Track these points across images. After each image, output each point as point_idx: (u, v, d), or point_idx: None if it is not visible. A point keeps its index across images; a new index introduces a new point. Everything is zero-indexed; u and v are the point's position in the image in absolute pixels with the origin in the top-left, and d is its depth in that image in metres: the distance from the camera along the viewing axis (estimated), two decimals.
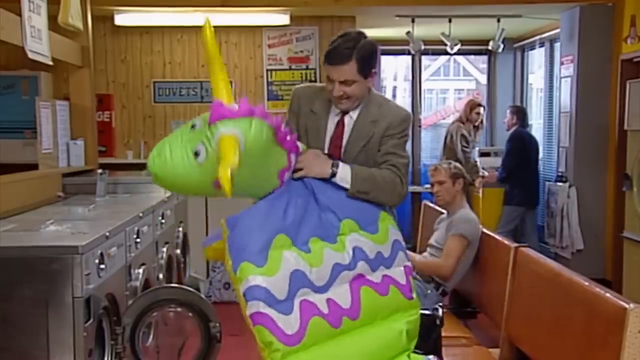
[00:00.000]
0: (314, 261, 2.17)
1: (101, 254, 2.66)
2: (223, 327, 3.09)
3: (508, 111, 6.76)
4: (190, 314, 2.93)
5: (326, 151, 2.51)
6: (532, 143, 6.55)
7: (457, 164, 3.89)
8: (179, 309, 2.94)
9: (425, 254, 3.89)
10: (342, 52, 2.40)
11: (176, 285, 3.44)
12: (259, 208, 2.20)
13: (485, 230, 3.68)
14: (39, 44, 3.87)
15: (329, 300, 2.17)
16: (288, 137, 2.20)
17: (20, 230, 2.85)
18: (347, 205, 2.35)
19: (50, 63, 4.04)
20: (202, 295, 2.98)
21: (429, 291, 3.64)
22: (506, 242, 3.34)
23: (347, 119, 2.56)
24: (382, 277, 2.34)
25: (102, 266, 2.67)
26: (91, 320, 2.51)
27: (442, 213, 4.07)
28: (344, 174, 2.39)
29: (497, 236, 3.55)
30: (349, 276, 2.25)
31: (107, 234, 2.76)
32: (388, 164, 2.50)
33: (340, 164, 2.41)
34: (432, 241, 3.86)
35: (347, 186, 2.39)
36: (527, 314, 2.88)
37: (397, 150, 2.54)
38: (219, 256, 2.24)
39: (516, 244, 3.15)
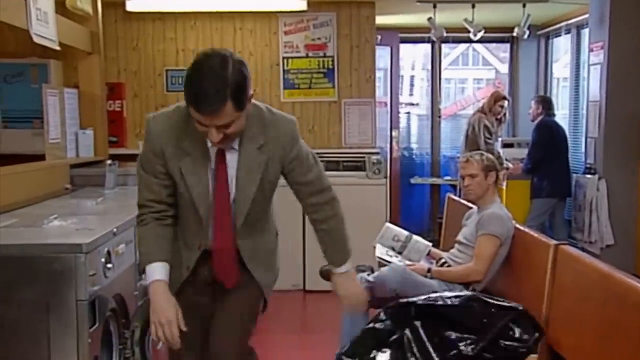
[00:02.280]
0: None
1: (108, 252, 2.46)
2: None
3: (533, 101, 6.53)
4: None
5: (210, 197, 2.22)
6: (560, 132, 6.30)
7: (490, 156, 3.65)
8: None
9: (453, 250, 3.67)
10: (212, 98, 1.98)
11: None
12: None
13: (519, 226, 3.44)
14: (45, 27, 3.67)
15: None
16: None
17: (21, 225, 2.65)
18: None
19: (58, 48, 3.85)
20: None
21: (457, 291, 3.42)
22: (543, 239, 3.10)
23: (228, 153, 2.20)
24: None
25: (109, 265, 2.46)
26: (96, 325, 2.31)
27: (469, 207, 3.85)
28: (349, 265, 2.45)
29: (533, 232, 3.31)
30: None
31: (115, 230, 2.56)
32: (323, 197, 2.38)
33: (345, 265, 2.43)
34: (460, 238, 3.63)
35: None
36: (570, 319, 2.64)
37: (313, 170, 2.34)
38: None
39: (556, 242, 2.91)
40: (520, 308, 2.80)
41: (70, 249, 2.23)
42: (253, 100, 2.20)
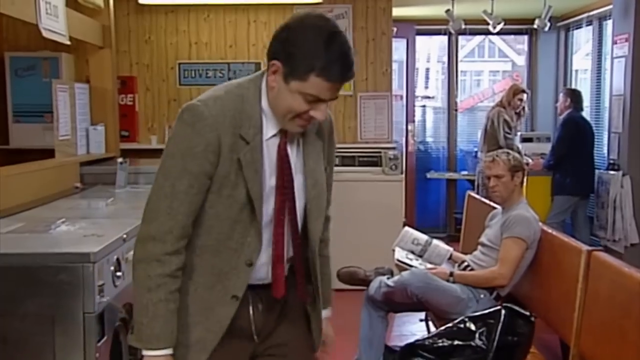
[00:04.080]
0: None
1: (117, 260, 2.34)
2: None
3: (561, 94, 6.34)
4: None
5: (271, 194, 1.73)
6: (588, 128, 6.11)
7: (516, 155, 3.49)
8: None
9: (476, 253, 3.53)
10: (353, 62, 1.66)
11: None
12: None
13: (546, 229, 3.29)
14: (55, 21, 3.55)
15: None
16: None
17: (26, 231, 2.53)
18: None
19: (68, 43, 3.73)
20: None
21: (481, 295, 3.28)
22: (574, 243, 2.95)
23: (290, 139, 1.75)
24: None
25: (119, 273, 2.34)
26: (105, 338, 2.19)
27: (490, 206, 3.70)
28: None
29: (562, 236, 3.16)
30: None
31: (125, 235, 2.43)
32: (327, 225, 1.94)
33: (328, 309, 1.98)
34: (484, 239, 3.49)
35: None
36: (606, 331, 2.49)
37: (331, 179, 1.90)
38: None
39: (589, 247, 2.76)
40: None
41: (78, 258, 2.11)
42: None
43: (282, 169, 1.72)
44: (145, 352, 1.66)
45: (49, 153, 4.02)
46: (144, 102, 6.23)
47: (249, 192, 1.67)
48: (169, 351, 1.66)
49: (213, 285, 1.72)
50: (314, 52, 1.58)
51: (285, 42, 1.62)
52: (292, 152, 1.75)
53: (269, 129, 1.70)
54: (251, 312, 1.77)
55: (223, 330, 1.71)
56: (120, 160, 3.96)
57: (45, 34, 3.40)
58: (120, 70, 5.93)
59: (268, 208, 1.71)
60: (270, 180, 1.71)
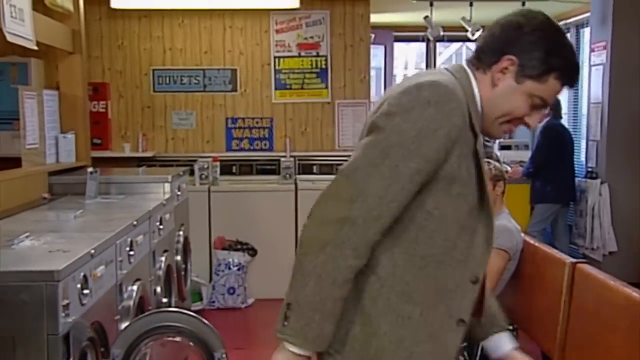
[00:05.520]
0: None
1: (84, 277, 2.22)
2: (227, 338, 2.70)
3: None
4: (191, 343, 2.49)
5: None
6: (567, 136, 6.08)
7: (497, 164, 3.44)
8: (177, 338, 2.49)
9: None
10: None
11: (175, 309, 3.00)
12: None
13: (529, 240, 3.23)
14: (20, 25, 3.41)
15: None
16: None
17: None
18: None
19: (35, 48, 3.59)
20: (205, 321, 2.54)
21: None
22: (557, 255, 2.88)
23: None
24: None
25: (86, 291, 2.22)
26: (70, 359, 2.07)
27: None
28: None
29: (545, 247, 3.09)
30: None
31: (93, 251, 2.31)
32: None
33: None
34: None
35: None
36: (591, 346, 2.43)
37: None
38: None
39: (573, 260, 2.70)
40: None
41: (41, 276, 1.98)
42: None
43: (482, 176, 1.50)
44: (294, 349, 1.40)
45: (17, 162, 3.88)
46: (117, 109, 6.09)
47: (482, 192, 1.47)
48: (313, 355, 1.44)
49: (436, 306, 1.46)
50: (556, 51, 1.46)
51: (523, 36, 1.46)
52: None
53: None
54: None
55: None
56: (90, 169, 3.82)
57: (10, 38, 3.26)
58: (93, 76, 5.79)
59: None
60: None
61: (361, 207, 1.38)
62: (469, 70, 1.53)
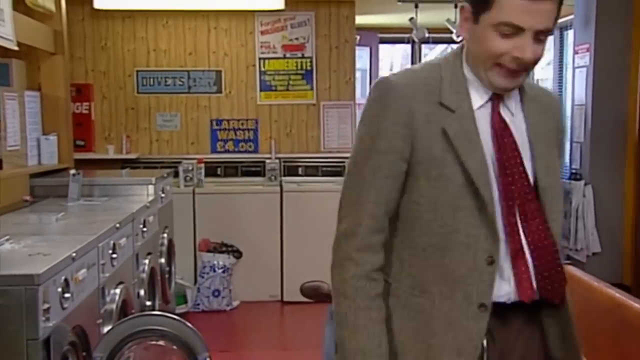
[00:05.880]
0: None
1: (65, 280, 2.19)
2: (212, 340, 2.69)
3: None
4: (174, 347, 2.47)
5: (493, 173, 1.44)
6: None
7: None
8: (161, 342, 2.47)
9: None
10: None
11: (158, 313, 2.97)
12: None
13: None
14: (1, 26, 3.37)
15: None
16: None
17: None
18: None
19: (16, 48, 3.55)
20: (189, 324, 2.51)
21: None
22: None
23: (503, 111, 1.48)
24: None
25: (67, 295, 2.19)
26: None
27: None
28: None
29: None
30: None
31: (74, 254, 2.28)
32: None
33: None
34: None
35: None
36: None
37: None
38: None
39: None
40: None
41: (20, 280, 1.95)
42: None
43: (502, 143, 1.42)
44: None
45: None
46: (101, 111, 6.04)
47: (466, 169, 1.39)
48: None
49: (451, 295, 1.42)
50: None
51: None
52: (514, 130, 1.46)
53: (477, 98, 1.45)
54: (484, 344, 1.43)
55: (479, 352, 1.41)
56: (72, 171, 3.78)
57: None
58: (76, 77, 5.74)
59: (493, 192, 1.42)
60: (488, 159, 1.42)
61: (346, 219, 1.47)
62: (464, 49, 1.51)
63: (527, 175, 1.45)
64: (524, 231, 1.44)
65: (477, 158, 1.41)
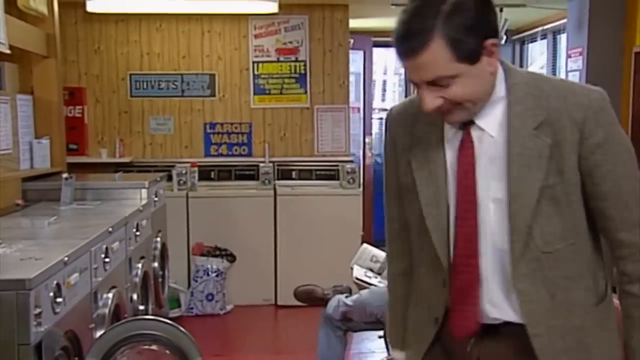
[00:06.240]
0: None
1: (57, 285, 2.17)
2: (205, 344, 2.67)
3: None
4: (167, 352, 2.45)
5: (452, 206, 1.48)
6: None
7: None
8: (154, 346, 2.45)
9: None
10: (413, 28, 1.36)
11: (151, 317, 2.95)
12: None
13: None
14: None
15: None
16: None
17: None
18: None
19: (8, 51, 3.53)
20: (182, 328, 2.49)
21: None
22: None
23: (475, 132, 1.46)
24: None
25: (59, 299, 2.18)
26: None
27: None
28: None
29: None
30: None
31: (66, 258, 2.27)
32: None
33: None
34: None
35: None
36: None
37: (631, 179, 1.50)
38: None
39: None
40: None
41: (11, 285, 1.94)
42: (522, 70, 1.57)
43: (461, 183, 1.45)
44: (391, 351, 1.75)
45: None
46: (94, 114, 6.02)
47: (420, 205, 1.52)
48: (399, 354, 1.70)
49: (419, 302, 1.64)
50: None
51: None
52: (488, 148, 1.44)
53: (448, 128, 1.48)
54: None
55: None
56: (65, 175, 3.76)
57: None
58: (69, 80, 5.72)
59: (444, 228, 1.50)
60: (451, 187, 1.48)
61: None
62: None
63: (474, 203, 1.45)
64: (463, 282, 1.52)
65: (428, 192, 1.50)
